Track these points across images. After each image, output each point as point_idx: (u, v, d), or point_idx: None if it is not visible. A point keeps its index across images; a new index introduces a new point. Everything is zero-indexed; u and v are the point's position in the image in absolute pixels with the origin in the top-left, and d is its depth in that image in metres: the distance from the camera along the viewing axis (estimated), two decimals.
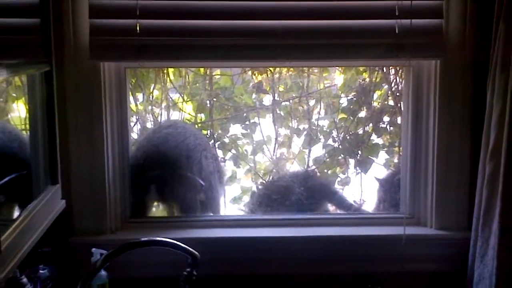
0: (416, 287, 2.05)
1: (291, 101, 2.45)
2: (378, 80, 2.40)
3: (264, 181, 2.39)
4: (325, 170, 2.45)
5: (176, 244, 1.73)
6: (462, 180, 2.01)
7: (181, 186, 2.16)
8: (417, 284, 2.05)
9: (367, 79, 2.40)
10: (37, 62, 1.70)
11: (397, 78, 2.37)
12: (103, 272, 1.80)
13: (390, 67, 2.34)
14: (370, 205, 2.37)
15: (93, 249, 1.79)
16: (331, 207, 2.35)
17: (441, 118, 2.00)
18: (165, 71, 2.33)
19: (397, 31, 1.93)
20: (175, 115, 2.40)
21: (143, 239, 1.75)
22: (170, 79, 2.35)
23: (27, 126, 1.75)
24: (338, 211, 2.33)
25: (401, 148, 2.25)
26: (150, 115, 2.37)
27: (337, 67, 2.40)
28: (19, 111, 1.78)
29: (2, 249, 1.26)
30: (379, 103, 2.43)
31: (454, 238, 2.01)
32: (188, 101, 2.40)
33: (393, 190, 2.26)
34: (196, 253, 1.74)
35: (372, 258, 2.02)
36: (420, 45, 1.94)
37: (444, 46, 1.95)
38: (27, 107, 1.74)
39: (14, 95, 1.78)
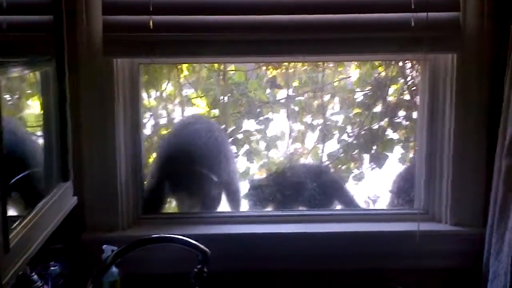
0: (431, 284, 2.03)
1: (305, 95, 2.43)
2: (394, 74, 2.37)
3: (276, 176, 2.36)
4: (339, 166, 2.43)
5: (186, 241, 1.73)
6: (478, 175, 1.98)
7: (208, 182, 2.17)
8: (431, 281, 2.03)
9: (383, 73, 2.37)
10: (49, 59, 1.70)
11: (413, 72, 2.34)
12: (114, 269, 1.80)
13: (406, 61, 2.30)
14: (384, 201, 2.35)
15: (104, 245, 1.79)
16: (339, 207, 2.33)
17: (458, 113, 1.97)
18: (179, 66, 2.32)
19: (413, 24, 1.90)
20: (188, 111, 2.39)
21: (153, 235, 1.74)
22: (184, 75, 2.34)
23: (41, 123, 1.76)
24: None
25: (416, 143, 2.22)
26: (164, 111, 2.36)
27: (352, 62, 2.37)
28: (33, 108, 1.78)
29: (11, 247, 1.26)
30: (395, 98, 2.40)
31: (469, 234, 1.98)
32: (202, 96, 2.39)
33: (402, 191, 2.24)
34: (207, 249, 1.73)
35: (386, 254, 2.00)
36: (436, 38, 1.90)
37: (461, 39, 1.92)
38: (41, 104, 1.75)
39: (29, 91, 1.78)
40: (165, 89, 2.34)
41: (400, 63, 2.33)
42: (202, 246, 1.73)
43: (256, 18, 1.92)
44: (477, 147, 1.97)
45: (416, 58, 2.09)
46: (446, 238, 2.00)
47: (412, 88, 2.34)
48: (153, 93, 2.35)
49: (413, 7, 1.89)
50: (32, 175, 1.61)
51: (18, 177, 1.49)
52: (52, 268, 1.77)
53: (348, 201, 2.31)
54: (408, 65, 2.34)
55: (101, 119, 1.95)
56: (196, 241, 1.76)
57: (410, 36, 1.91)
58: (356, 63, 2.38)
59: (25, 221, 1.40)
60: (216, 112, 2.40)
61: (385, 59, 2.26)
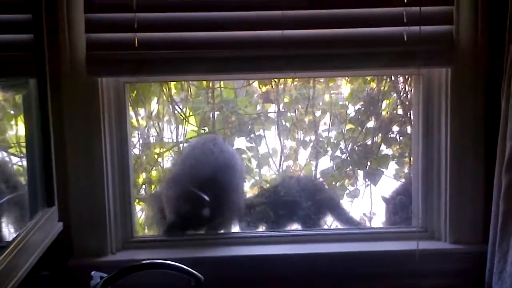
0: None
1: (296, 111, 2.38)
2: (386, 89, 2.33)
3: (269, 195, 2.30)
4: (333, 183, 2.38)
5: (178, 266, 1.66)
6: (477, 191, 1.93)
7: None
8: None
9: (375, 88, 2.33)
10: (30, 80, 1.64)
11: (406, 86, 2.30)
12: None
13: (399, 76, 2.26)
14: (380, 218, 2.30)
15: (93, 272, 1.71)
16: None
17: (453, 127, 1.92)
18: (166, 84, 2.27)
19: (405, 39, 1.86)
20: (179, 129, 2.33)
21: (144, 261, 1.67)
22: (171, 93, 2.28)
23: (24, 145, 1.70)
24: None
25: (411, 159, 2.18)
26: (152, 130, 2.30)
27: (343, 77, 2.33)
28: (15, 130, 1.72)
29: None
30: (388, 112, 2.36)
31: (470, 252, 1.93)
32: (191, 115, 2.33)
33: (396, 210, 2.19)
34: (200, 275, 1.66)
35: (384, 274, 1.94)
36: (430, 52, 1.87)
37: (455, 53, 1.88)
38: (24, 125, 1.69)
39: (12, 112, 1.72)
40: (154, 109, 2.28)
41: (393, 77, 2.29)
42: (195, 272, 1.66)
43: (244, 34, 1.88)
44: (475, 161, 1.92)
45: (409, 72, 2.05)
46: (446, 257, 1.94)
47: (406, 103, 2.30)
48: (141, 111, 2.29)
49: (405, 20, 1.85)
50: (14, 200, 1.54)
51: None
52: None
53: (345, 219, 2.25)
54: (401, 79, 2.29)
55: (87, 140, 1.88)
56: (188, 265, 1.69)
57: (403, 51, 1.87)
58: (347, 78, 2.33)
59: (8, 249, 1.35)
60: (206, 130, 2.34)
61: (378, 74, 2.22)
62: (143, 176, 2.23)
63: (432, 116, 1.99)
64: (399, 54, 1.87)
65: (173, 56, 1.87)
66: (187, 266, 1.68)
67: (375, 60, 1.90)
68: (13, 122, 1.70)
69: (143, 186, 2.27)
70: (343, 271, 1.94)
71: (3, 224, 1.49)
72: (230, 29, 1.87)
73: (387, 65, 1.92)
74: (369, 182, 2.35)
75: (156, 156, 2.29)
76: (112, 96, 1.94)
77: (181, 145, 2.31)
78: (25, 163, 1.69)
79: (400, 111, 2.34)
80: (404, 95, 2.32)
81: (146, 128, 2.28)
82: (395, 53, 1.87)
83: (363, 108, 2.34)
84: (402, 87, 2.31)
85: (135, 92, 2.22)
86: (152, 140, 2.30)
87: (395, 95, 2.34)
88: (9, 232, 1.52)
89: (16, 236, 1.42)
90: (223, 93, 2.33)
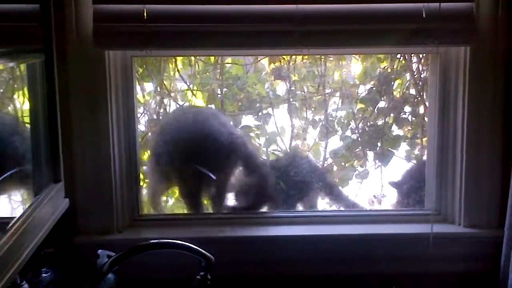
0: None
1: (306, 90, 2.32)
2: (399, 68, 2.26)
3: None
4: (343, 163, 2.33)
5: (188, 246, 1.61)
6: (493, 174, 1.88)
7: None
8: (445, 286, 1.93)
9: (388, 68, 2.26)
10: (36, 50, 1.57)
11: (420, 66, 2.24)
12: (110, 275, 1.69)
13: (412, 54, 2.20)
14: (390, 199, 2.25)
15: (99, 250, 1.67)
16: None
17: (471, 109, 1.87)
18: (173, 60, 2.20)
19: (424, 15, 1.79)
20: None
21: (153, 241, 1.61)
22: (178, 69, 2.22)
23: (29, 119, 1.63)
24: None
25: (424, 140, 2.12)
26: (158, 106, 2.24)
27: (354, 55, 2.26)
28: (20, 102, 1.66)
29: None
30: (400, 93, 2.30)
31: (485, 236, 1.88)
32: (198, 90, 2.27)
33: (408, 194, 2.14)
34: (210, 256, 1.61)
35: (396, 257, 1.90)
36: (449, 30, 1.80)
37: (474, 31, 1.82)
38: (28, 98, 1.62)
39: (15, 85, 1.66)
40: (162, 82, 2.21)
41: (406, 56, 2.22)
42: (205, 253, 1.61)
43: (256, 7, 1.81)
44: (492, 144, 1.87)
45: (427, 51, 1.98)
46: (460, 241, 1.90)
47: (419, 82, 2.24)
48: (147, 86, 2.22)
49: None
50: (20, 174, 1.49)
51: (4, 175, 1.37)
52: (43, 275, 1.64)
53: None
54: (415, 58, 2.23)
55: (93, 115, 1.82)
56: (197, 244, 1.64)
57: (421, 28, 1.80)
58: (358, 56, 2.27)
59: (14, 227, 1.29)
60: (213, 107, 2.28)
61: (395, 52, 2.15)
62: (148, 153, 2.17)
63: (449, 97, 1.93)
64: (417, 31, 1.80)
65: (182, 30, 1.80)
66: (197, 246, 1.63)
67: (392, 37, 1.83)
68: (15, 96, 1.65)
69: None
70: (354, 253, 1.90)
71: (10, 199, 1.43)
72: (242, 2, 1.80)
73: (405, 43, 1.85)
74: (379, 163, 2.31)
75: None
76: (119, 69, 1.88)
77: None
78: (29, 136, 1.63)
79: (412, 91, 2.28)
80: (417, 75, 2.26)
81: (153, 102, 2.22)
82: (413, 30, 1.81)
83: (374, 88, 2.29)
84: (416, 66, 2.25)
85: (142, 68, 2.15)
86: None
87: (408, 74, 2.28)
88: (16, 208, 1.47)
89: (23, 213, 1.37)
90: (231, 70, 2.27)
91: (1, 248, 1.19)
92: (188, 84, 2.25)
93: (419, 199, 2.09)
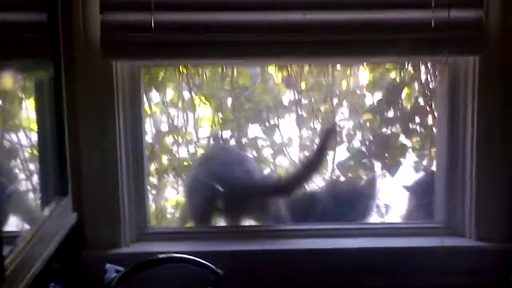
0: None
1: (313, 100, 2.30)
2: (407, 78, 2.25)
3: None
4: (349, 174, 2.31)
5: (197, 261, 1.59)
6: (504, 186, 1.86)
7: None
8: None
9: (396, 77, 2.25)
10: (44, 61, 1.56)
11: (428, 76, 2.22)
12: None
13: (421, 64, 2.18)
14: (398, 211, 2.23)
15: (108, 265, 1.65)
16: None
17: (480, 120, 1.85)
18: (182, 69, 2.18)
19: (433, 25, 1.77)
20: (191, 116, 2.25)
21: (161, 255, 1.60)
22: (188, 79, 2.20)
23: (36, 131, 1.62)
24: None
25: (433, 151, 2.10)
26: (165, 117, 2.22)
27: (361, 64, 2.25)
28: (27, 114, 1.64)
29: (7, 274, 1.13)
30: (408, 103, 2.28)
31: (496, 249, 1.86)
32: (205, 102, 2.25)
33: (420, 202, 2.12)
34: (219, 270, 1.60)
35: (405, 271, 1.87)
36: (458, 39, 1.78)
37: (484, 40, 1.80)
38: (35, 110, 1.61)
39: (22, 96, 1.64)
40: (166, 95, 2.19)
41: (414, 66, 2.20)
42: (213, 267, 1.59)
43: (265, 17, 1.80)
44: (503, 155, 1.85)
45: (436, 61, 1.97)
46: (471, 254, 1.88)
47: (427, 93, 2.22)
48: (154, 97, 2.20)
49: (433, 4, 1.77)
50: (27, 189, 1.47)
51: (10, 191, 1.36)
52: None
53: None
54: (423, 68, 2.21)
55: (101, 126, 1.81)
56: (205, 259, 1.63)
57: (430, 37, 1.78)
58: (364, 66, 2.26)
59: (22, 244, 1.27)
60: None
61: (402, 62, 2.13)
62: (155, 165, 2.16)
63: (458, 107, 1.91)
64: (426, 41, 1.79)
65: (190, 39, 1.79)
66: (205, 260, 1.61)
67: (400, 46, 1.81)
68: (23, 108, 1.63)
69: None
70: (362, 267, 1.87)
71: (18, 215, 1.42)
72: (251, 10, 1.79)
73: (413, 53, 1.84)
74: (386, 173, 2.29)
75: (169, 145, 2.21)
76: (126, 80, 1.86)
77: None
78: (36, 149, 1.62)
79: (421, 101, 2.27)
80: (426, 85, 2.24)
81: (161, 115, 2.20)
82: (422, 39, 1.79)
83: (382, 98, 2.27)
84: (425, 77, 2.23)
85: (147, 76, 2.14)
86: (164, 127, 2.22)
87: (416, 84, 2.26)
88: (24, 222, 1.46)
89: (31, 227, 1.35)
90: (238, 80, 2.25)
91: (10, 263, 1.17)
92: (195, 93, 2.23)
93: (428, 211, 2.07)
